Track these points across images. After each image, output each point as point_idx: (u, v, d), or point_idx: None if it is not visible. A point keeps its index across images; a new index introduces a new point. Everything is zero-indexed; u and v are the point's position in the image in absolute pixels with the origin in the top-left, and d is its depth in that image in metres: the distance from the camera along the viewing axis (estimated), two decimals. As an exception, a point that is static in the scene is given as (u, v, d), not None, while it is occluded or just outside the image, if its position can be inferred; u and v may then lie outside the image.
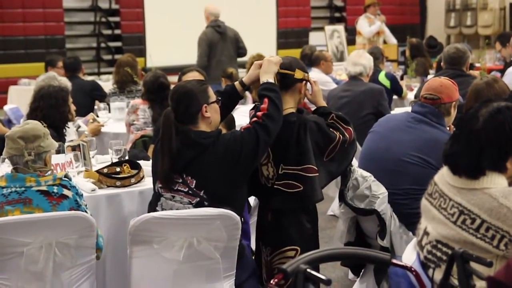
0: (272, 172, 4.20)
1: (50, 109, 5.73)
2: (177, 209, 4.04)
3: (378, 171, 4.48)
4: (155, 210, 4.10)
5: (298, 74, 4.25)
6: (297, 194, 4.15)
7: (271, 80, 4.15)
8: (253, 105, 4.55)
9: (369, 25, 13.28)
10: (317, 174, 4.15)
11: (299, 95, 4.29)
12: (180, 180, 4.04)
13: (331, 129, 4.23)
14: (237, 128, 4.88)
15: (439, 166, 4.37)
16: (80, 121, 7.19)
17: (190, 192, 4.02)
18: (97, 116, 7.71)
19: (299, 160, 4.13)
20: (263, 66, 4.21)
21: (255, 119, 4.07)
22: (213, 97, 4.13)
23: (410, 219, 4.35)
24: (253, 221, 4.78)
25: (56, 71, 8.58)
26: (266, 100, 4.07)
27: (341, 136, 4.21)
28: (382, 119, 4.96)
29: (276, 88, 4.13)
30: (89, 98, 8.80)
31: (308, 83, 4.35)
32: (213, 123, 4.12)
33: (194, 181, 4.01)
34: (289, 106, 4.24)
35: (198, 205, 4.01)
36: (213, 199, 4.00)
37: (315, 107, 4.43)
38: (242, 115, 6.70)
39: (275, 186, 4.18)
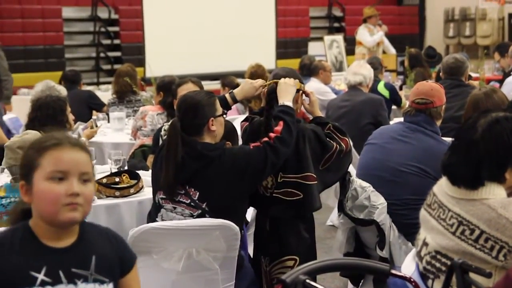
0: (270, 181, 4.21)
1: (48, 119, 5.72)
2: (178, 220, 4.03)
3: (376, 183, 4.48)
4: (154, 221, 4.10)
5: (296, 84, 4.28)
6: (296, 202, 4.15)
7: (289, 103, 4.16)
8: (245, 116, 4.55)
9: (369, 34, 13.31)
10: (316, 182, 4.16)
11: (295, 105, 4.31)
12: (183, 192, 4.03)
13: (327, 138, 4.25)
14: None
15: (436, 175, 4.41)
16: (81, 127, 7.18)
17: (192, 204, 4.01)
18: (96, 126, 7.69)
19: (298, 168, 4.14)
20: (281, 88, 4.21)
21: (266, 139, 4.06)
22: (220, 110, 4.14)
23: (409, 230, 4.35)
24: (250, 232, 4.78)
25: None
26: (281, 123, 4.08)
27: (337, 146, 4.23)
28: (376, 131, 4.97)
29: (293, 112, 4.14)
30: (86, 107, 8.81)
31: (305, 94, 4.39)
32: (217, 136, 4.13)
33: (198, 193, 4.00)
34: None
35: (199, 217, 4.00)
36: (215, 212, 3.98)
37: (312, 117, 4.45)
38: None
39: (274, 195, 4.19)
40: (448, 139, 4.63)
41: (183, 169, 4.00)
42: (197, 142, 4.03)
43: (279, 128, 4.07)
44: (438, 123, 4.71)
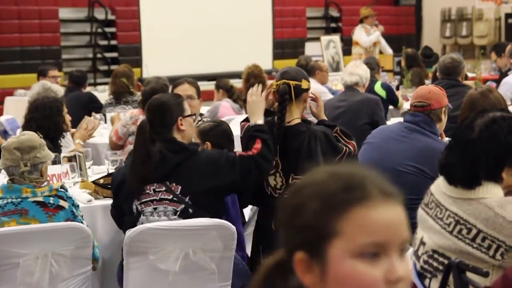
0: (280, 182, 4.23)
1: (44, 120, 5.71)
2: None
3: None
4: None
5: (304, 84, 4.32)
6: None
7: (261, 121, 4.18)
8: (246, 116, 4.58)
9: (366, 35, 13.31)
10: None
11: (303, 105, 4.35)
12: (164, 189, 4.05)
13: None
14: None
15: (434, 175, 4.41)
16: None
17: (175, 199, 4.04)
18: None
19: (310, 169, 4.16)
20: (249, 108, 4.25)
21: (250, 153, 4.09)
22: (188, 111, 4.19)
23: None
24: (248, 232, 4.78)
25: (48, 81, 8.58)
26: (258, 141, 4.11)
27: (347, 149, 4.25)
28: (375, 130, 4.98)
29: (267, 130, 4.16)
30: (85, 110, 8.79)
31: (312, 99, 4.43)
32: (187, 137, 4.18)
33: (179, 187, 4.04)
34: (296, 116, 4.29)
35: (183, 212, 4.03)
36: (198, 205, 4.02)
37: (317, 120, 4.48)
38: (238, 126, 6.69)
39: (285, 196, 4.16)
40: (446, 139, 4.64)
41: (164, 164, 4.03)
42: (175, 137, 4.09)
43: (258, 145, 4.09)
44: (439, 125, 4.71)
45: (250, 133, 4.17)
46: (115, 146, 6.72)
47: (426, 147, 4.57)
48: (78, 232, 3.90)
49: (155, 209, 4.06)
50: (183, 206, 4.03)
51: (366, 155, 4.80)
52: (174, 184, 4.05)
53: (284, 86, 4.25)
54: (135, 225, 4.05)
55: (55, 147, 5.59)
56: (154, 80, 6.77)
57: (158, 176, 4.05)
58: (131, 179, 4.08)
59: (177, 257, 3.91)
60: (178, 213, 4.03)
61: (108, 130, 7.65)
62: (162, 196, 4.06)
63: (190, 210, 4.02)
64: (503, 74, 9.75)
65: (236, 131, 5.22)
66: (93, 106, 8.98)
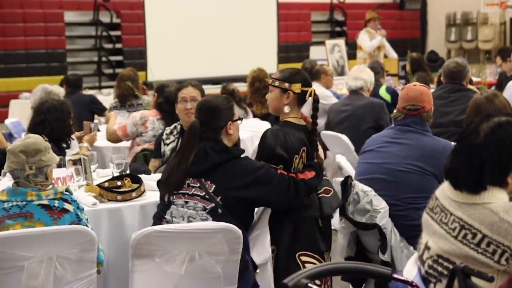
0: None
1: (57, 122, 5.74)
2: (189, 216, 4.12)
3: (375, 185, 4.51)
4: (162, 219, 4.17)
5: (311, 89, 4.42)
6: (331, 198, 4.35)
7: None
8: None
9: (370, 39, 13.31)
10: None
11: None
12: (198, 185, 4.13)
13: None
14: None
15: (433, 171, 4.46)
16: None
17: (206, 196, 4.11)
18: (99, 130, 7.66)
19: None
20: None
21: (292, 174, 4.21)
22: (236, 115, 4.33)
23: (410, 232, 4.36)
24: (251, 236, 4.78)
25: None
26: (313, 172, 4.27)
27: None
28: (369, 140, 4.97)
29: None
30: (88, 112, 8.82)
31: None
32: (232, 140, 4.30)
33: (214, 186, 4.11)
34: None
35: (212, 211, 4.09)
36: (228, 208, 4.09)
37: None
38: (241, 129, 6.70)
39: (319, 196, 4.33)
40: (451, 143, 4.65)
41: (204, 161, 4.12)
42: (221, 139, 4.20)
43: (309, 174, 4.25)
44: (428, 124, 4.76)
45: (311, 162, 4.32)
46: (117, 139, 6.73)
47: (422, 145, 4.61)
48: (83, 235, 3.90)
49: (186, 202, 4.16)
50: (213, 205, 4.11)
51: (365, 162, 4.81)
52: (209, 182, 4.13)
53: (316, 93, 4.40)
54: (165, 214, 4.19)
55: (60, 150, 5.61)
56: (171, 83, 6.77)
57: (195, 171, 4.14)
58: (176, 173, 4.18)
59: (183, 260, 3.92)
60: (207, 211, 4.11)
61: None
62: (195, 192, 4.14)
63: (220, 211, 4.10)
64: (508, 78, 9.73)
65: (241, 134, 5.24)
66: (95, 107, 9.01)
